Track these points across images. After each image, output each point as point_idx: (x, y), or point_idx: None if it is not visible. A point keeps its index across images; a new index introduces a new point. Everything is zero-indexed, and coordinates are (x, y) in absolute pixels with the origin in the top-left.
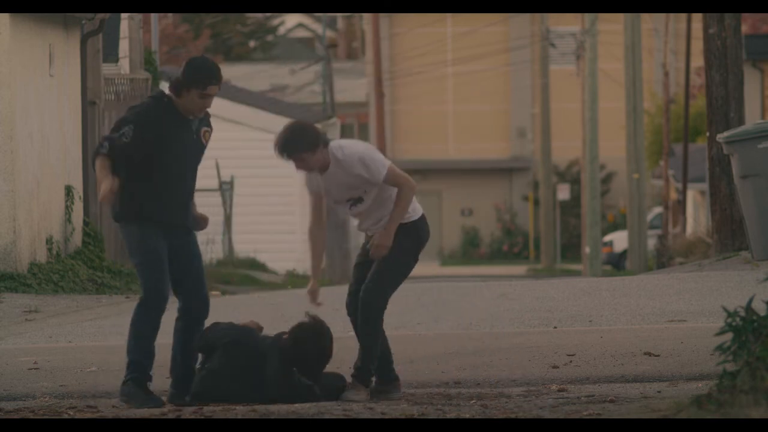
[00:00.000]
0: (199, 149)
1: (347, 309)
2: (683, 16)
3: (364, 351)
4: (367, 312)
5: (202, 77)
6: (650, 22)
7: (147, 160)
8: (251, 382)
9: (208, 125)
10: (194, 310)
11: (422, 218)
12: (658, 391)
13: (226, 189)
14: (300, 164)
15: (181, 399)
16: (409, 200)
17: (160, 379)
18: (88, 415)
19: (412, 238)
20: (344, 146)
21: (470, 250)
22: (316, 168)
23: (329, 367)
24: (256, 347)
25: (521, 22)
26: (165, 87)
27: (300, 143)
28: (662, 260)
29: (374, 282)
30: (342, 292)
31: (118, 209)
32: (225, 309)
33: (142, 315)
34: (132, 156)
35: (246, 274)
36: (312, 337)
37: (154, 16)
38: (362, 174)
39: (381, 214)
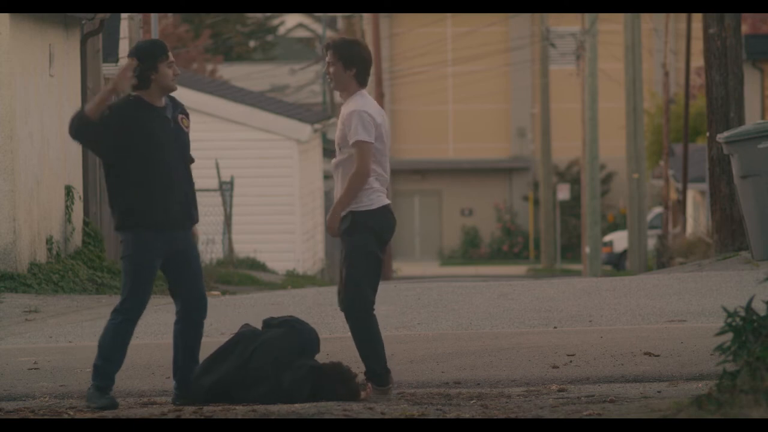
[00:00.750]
0: (182, 136)
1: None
2: (683, 16)
3: (363, 353)
4: (348, 315)
5: (158, 49)
6: (650, 22)
7: (137, 163)
8: (280, 362)
9: (184, 112)
10: (194, 311)
11: (379, 209)
12: (658, 391)
13: (226, 189)
14: (329, 67)
15: (185, 400)
16: (354, 186)
17: (160, 379)
18: (88, 415)
19: (361, 229)
20: (365, 98)
21: (470, 250)
22: (336, 84)
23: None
24: (296, 343)
25: (521, 22)
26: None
27: (343, 49)
28: (662, 260)
29: (344, 285)
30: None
31: (119, 219)
32: (225, 309)
33: (119, 323)
34: (122, 158)
35: (246, 274)
36: (340, 379)
37: (154, 16)
38: (345, 126)
39: (341, 189)
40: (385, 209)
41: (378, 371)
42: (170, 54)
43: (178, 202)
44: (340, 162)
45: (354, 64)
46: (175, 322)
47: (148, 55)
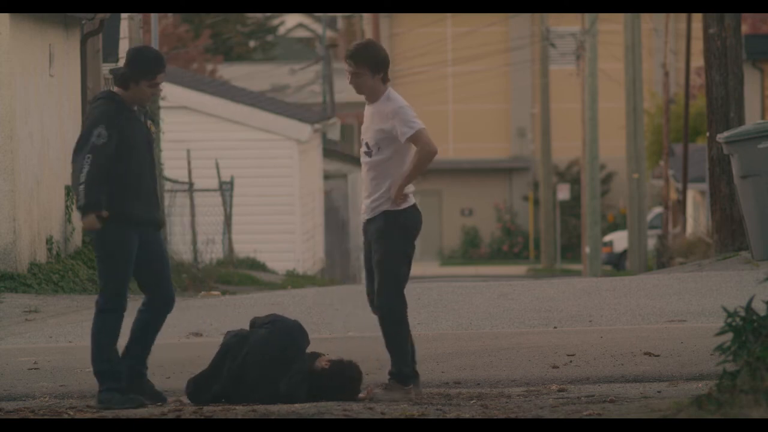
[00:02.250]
0: (151, 141)
1: (370, 306)
2: (683, 16)
3: (394, 354)
4: (388, 318)
5: (150, 67)
6: (650, 22)
7: (116, 159)
8: (274, 364)
9: (150, 118)
10: (160, 305)
11: (411, 208)
12: (658, 391)
13: (226, 189)
14: (354, 78)
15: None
16: (422, 162)
17: (160, 379)
18: (88, 415)
19: (397, 228)
20: (395, 95)
21: (470, 250)
22: (365, 90)
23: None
24: (282, 340)
25: (521, 22)
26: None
27: (368, 56)
28: (662, 260)
29: (381, 287)
30: (342, 292)
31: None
32: (225, 309)
33: (103, 322)
34: (109, 156)
35: (246, 274)
36: (343, 379)
37: (154, 16)
38: (392, 125)
39: (375, 186)
40: (415, 208)
41: (406, 372)
42: (160, 76)
43: (150, 204)
44: (371, 168)
45: (380, 68)
46: (140, 311)
47: (138, 65)
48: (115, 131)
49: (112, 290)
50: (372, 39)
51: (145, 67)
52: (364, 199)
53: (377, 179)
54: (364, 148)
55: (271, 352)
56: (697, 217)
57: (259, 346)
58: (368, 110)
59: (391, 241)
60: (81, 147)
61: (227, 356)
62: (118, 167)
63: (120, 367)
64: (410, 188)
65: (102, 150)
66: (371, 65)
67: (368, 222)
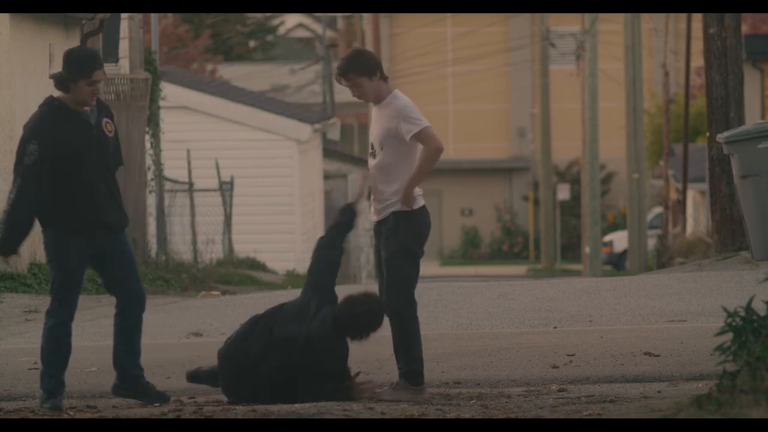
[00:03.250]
0: (104, 142)
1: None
2: (683, 16)
3: (405, 352)
4: (397, 317)
5: (85, 66)
6: (650, 22)
7: (56, 168)
8: (296, 329)
9: (109, 115)
10: (131, 306)
11: (421, 209)
12: (658, 391)
13: (226, 189)
14: (355, 90)
15: (127, 392)
16: (429, 159)
17: (161, 379)
18: (88, 415)
19: (407, 228)
20: (400, 94)
21: (470, 250)
22: (370, 96)
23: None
24: (291, 312)
25: (521, 22)
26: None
27: (357, 65)
28: (662, 260)
29: (390, 289)
30: (341, 292)
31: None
32: (225, 309)
33: (45, 326)
34: (44, 169)
35: (246, 274)
36: (365, 306)
37: (154, 16)
38: (396, 124)
39: (383, 188)
40: (425, 209)
41: (416, 369)
42: (98, 73)
43: (98, 210)
44: (387, 163)
45: (374, 69)
46: (115, 315)
47: (73, 66)
48: (50, 142)
49: (53, 294)
50: (355, 47)
51: (81, 66)
52: (372, 202)
53: (385, 181)
54: (370, 150)
55: (291, 316)
56: (697, 217)
57: (278, 314)
58: (375, 111)
59: (401, 241)
60: (18, 163)
61: (257, 327)
62: (58, 176)
63: (56, 382)
64: (418, 190)
65: (30, 170)
66: (364, 71)
67: (379, 224)
